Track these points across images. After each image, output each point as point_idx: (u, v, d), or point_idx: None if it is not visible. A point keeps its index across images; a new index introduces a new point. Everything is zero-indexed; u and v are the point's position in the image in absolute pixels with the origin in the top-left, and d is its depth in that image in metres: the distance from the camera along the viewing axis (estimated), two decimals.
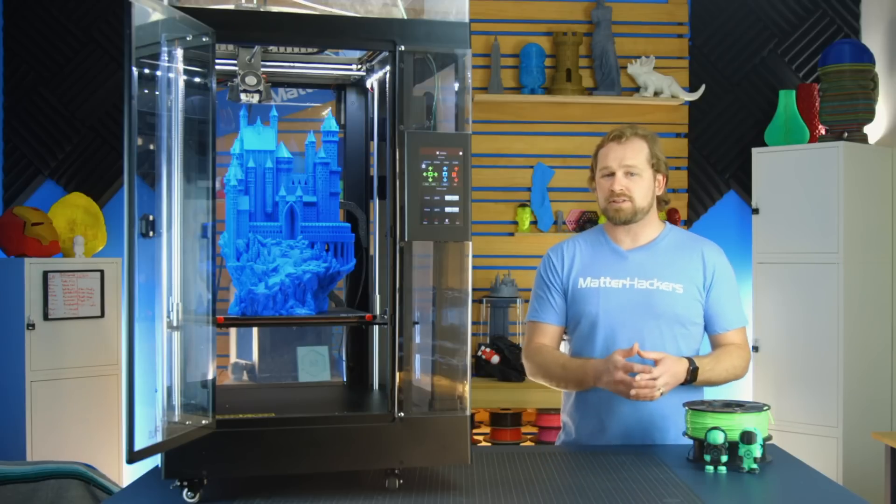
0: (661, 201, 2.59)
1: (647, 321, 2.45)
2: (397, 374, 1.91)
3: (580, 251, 2.58)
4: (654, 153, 2.52)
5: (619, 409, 2.45)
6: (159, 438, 1.74)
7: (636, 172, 2.49)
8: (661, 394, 2.30)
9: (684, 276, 2.49)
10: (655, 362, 2.29)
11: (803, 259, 4.25)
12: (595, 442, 2.49)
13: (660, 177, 2.54)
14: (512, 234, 4.79)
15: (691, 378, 2.36)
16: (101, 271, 4.33)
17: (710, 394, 2.56)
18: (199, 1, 2.01)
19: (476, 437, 4.46)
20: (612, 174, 2.50)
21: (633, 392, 2.27)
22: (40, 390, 4.10)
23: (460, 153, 1.92)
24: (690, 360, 2.37)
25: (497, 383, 4.36)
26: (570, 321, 2.57)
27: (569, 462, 2.24)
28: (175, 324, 1.79)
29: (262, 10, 2.00)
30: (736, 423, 2.11)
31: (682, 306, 2.47)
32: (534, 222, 4.79)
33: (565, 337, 2.63)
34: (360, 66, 2.25)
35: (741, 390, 4.49)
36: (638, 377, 2.26)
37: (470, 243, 1.94)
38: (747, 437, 2.08)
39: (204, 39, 1.82)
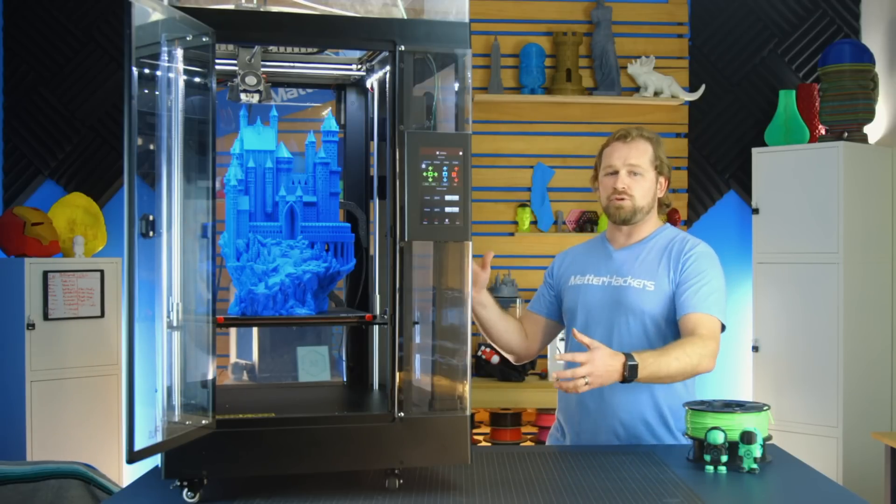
0: (661, 204, 2.59)
1: (618, 317, 2.47)
2: (397, 374, 1.91)
3: (577, 253, 2.68)
4: (658, 155, 2.54)
5: (581, 403, 2.49)
6: (159, 438, 1.74)
7: (639, 172, 2.50)
8: (588, 387, 2.17)
9: (657, 273, 2.47)
10: (588, 348, 2.21)
11: (803, 259, 4.25)
12: (565, 434, 2.56)
13: (662, 179, 2.56)
14: (512, 234, 4.79)
15: (630, 374, 2.20)
16: (101, 271, 4.34)
17: (709, 393, 2.56)
18: (199, 1, 2.01)
19: (476, 437, 4.46)
20: (616, 172, 2.51)
21: (554, 383, 2.21)
22: (40, 390, 4.10)
23: (460, 153, 1.92)
24: (628, 356, 2.21)
25: (497, 383, 4.37)
26: (563, 318, 2.64)
27: (569, 462, 2.24)
28: (175, 324, 1.79)
29: (262, 10, 2.00)
30: (736, 423, 2.11)
31: (652, 303, 2.44)
32: (534, 222, 4.79)
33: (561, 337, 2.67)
34: (360, 66, 2.25)
35: (741, 390, 4.49)
36: (562, 370, 2.20)
37: (470, 243, 1.94)
38: (747, 437, 2.08)
39: (204, 39, 1.82)
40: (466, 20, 1.96)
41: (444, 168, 1.91)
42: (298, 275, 2.04)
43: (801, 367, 4.24)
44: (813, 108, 4.54)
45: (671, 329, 2.46)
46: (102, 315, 4.33)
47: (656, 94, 4.70)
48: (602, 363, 2.17)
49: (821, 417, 4.15)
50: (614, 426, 2.46)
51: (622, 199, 2.50)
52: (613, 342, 2.46)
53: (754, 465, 2.08)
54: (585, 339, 2.21)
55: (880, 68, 4.44)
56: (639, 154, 2.51)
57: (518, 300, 4.56)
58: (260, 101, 2.10)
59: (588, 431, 2.50)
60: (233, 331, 3.96)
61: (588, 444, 2.47)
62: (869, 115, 4.34)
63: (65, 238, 4.37)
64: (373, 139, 2.31)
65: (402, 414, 1.91)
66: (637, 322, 2.45)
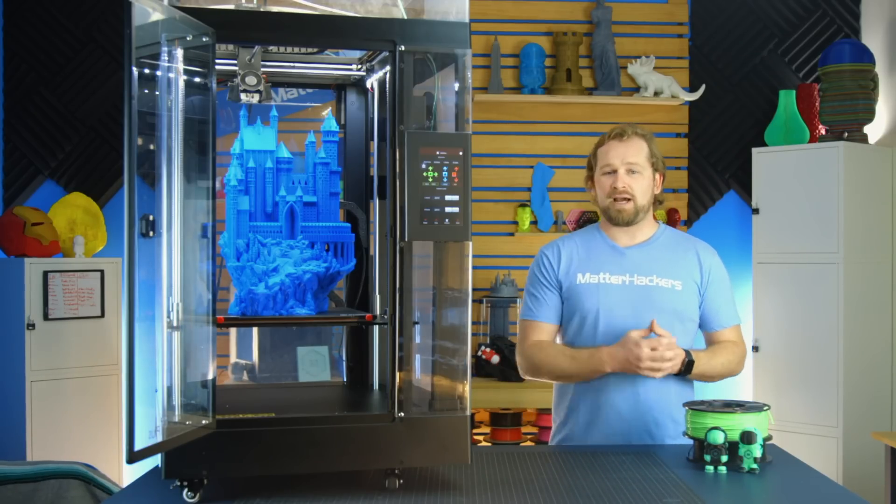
0: (656, 201, 2.60)
1: (647, 317, 2.45)
2: (397, 374, 1.91)
3: (577, 248, 2.59)
4: (654, 152, 2.55)
5: (611, 404, 2.47)
6: (159, 438, 1.74)
7: (638, 170, 2.50)
8: (663, 373, 2.37)
9: (683, 273, 2.53)
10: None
11: (803, 259, 4.25)
12: (588, 435, 2.50)
13: (658, 176, 2.58)
14: (512, 234, 4.79)
15: (685, 370, 2.40)
16: (101, 271, 4.34)
17: (709, 393, 2.57)
18: (199, 1, 2.01)
19: (476, 437, 4.46)
20: (615, 171, 2.50)
21: (644, 365, 2.34)
22: (40, 390, 4.10)
23: (460, 153, 1.92)
24: (687, 353, 2.41)
25: (497, 383, 4.37)
26: (564, 317, 2.57)
27: (569, 462, 2.24)
28: (175, 324, 1.79)
29: (262, 10, 2.00)
30: (736, 423, 2.11)
31: (682, 302, 2.51)
32: (534, 222, 4.79)
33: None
34: (360, 66, 2.25)
35: (741, 390, 4.49)
36: (655, 343, 2.35)
37: (470, 243, 1.94)
38: (747, 437, 2.08)
39: (204, 39, 1.82)
40: (466, 20, 1.96)
41: (444, 168, 1.91)
42: (298, 275, 2.04)
43: (801, 367, 4.24)
44: (813, 108, 4.54)
45: (689, 326, 2.53)
46: (102, 315, 4.33)
47: (656, 94, 4.70)
48: (676, 352, 2.37)
49: (821, 417, 4.15)
50: (648, 425, 2.47)
51: (625, 202, 2.50)
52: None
53: (754, 465, 2.08)
54: (663, 332, 2.36)
55: (880, 68, 4.44)
56: (636, 152, 2.51)
57: (518, 300, 4.56)
58: (260, 101, 2.10)
59: (620, 434, 2.47)
60: (233, 331, 3.95)
61: (621, 445, 2.44)
62: (869, 115, 4.33)
63: (65, 238, 4.37)
64: (373, 139, 2.31)
65: (402, 414, 1.91)
66: (667, 321, 2.45)
